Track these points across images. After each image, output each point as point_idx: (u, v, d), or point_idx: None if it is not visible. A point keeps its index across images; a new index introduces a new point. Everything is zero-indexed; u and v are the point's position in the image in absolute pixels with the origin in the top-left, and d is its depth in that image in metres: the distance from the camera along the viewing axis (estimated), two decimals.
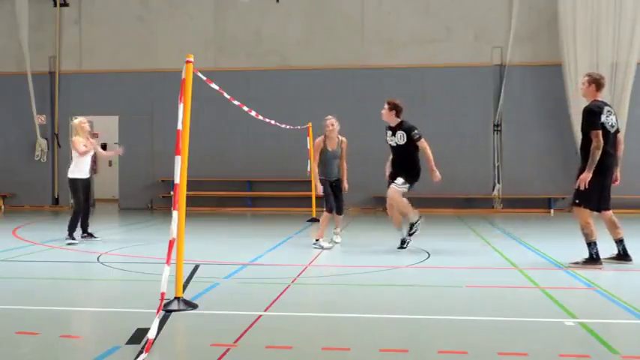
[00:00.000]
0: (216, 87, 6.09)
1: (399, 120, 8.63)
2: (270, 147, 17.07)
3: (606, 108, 7.33)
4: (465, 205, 16.69)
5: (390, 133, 8.72)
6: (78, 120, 10.02)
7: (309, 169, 12.50)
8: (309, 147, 13.13)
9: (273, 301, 5.60)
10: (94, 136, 15.40)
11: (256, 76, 17.28)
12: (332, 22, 17.26)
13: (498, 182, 16.67)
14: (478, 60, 16.80)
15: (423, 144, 8.52)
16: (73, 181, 9.75)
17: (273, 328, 4.83)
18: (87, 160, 9.82)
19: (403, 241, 8.93)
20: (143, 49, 17.77)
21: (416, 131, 8.50)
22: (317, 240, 9.16)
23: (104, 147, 16.79)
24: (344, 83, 16.93)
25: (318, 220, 10.73)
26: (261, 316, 5.09)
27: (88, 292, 6.51)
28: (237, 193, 17.42)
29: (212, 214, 15.97)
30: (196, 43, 16.87)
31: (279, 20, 17.43)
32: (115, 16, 17.96)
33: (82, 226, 9.94)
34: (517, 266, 7.56)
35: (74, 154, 9.81)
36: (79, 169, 9.74)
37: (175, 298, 5.23)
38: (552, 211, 16.26)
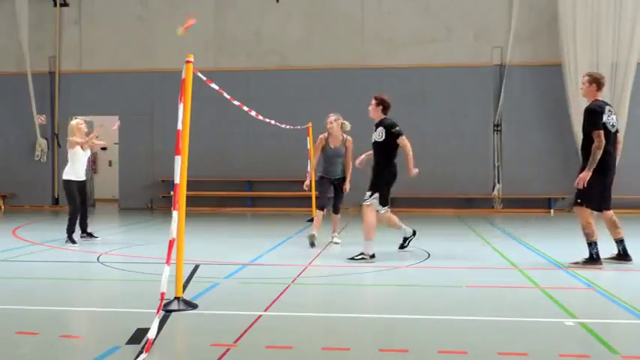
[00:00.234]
0: (216, 87, 6.08)
1: (383, 116, 8.08)
2: (270, 147, 17.08)
3: (607, 108, 7.33)
4: (465, 205, 16.68)
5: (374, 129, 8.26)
6: (75, 121, 10.01)
7: (308, 169, 12.48)
8: (309, 147, 13.12)
9: (273, 301, 5.59)
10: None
11: (256, 76, 17.29)
12: (332, 22, 17.27)
13: (498, 182, 16.67)
14: (478, 60, 16.80)
15: (403, 141, 7.85)
16: (67, 183, 9.64)
17: (273, 328, 4.83)
18: (83, 162, 9.74)
19: (405, 239, 8.83)
20: (143, 49, 17.77)
21: (397, 128, 7.89)
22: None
23: (103, 148, 16.80)
24: (344, 83, 16.93)
25: None
26: (261, 316, 5.08)
27: (88, 292, 6.50)
28: (237, 193, 17.42)
29: (212, 214, 15.97)
30: (196, 43, 16.83)
31: (279, 20, 17.43)
32: (115, 16, 17.97)
33: (80, 227, 9.90)
34: (517, 266, 7.55)
35: (70, 154, 9.71)
36: (74, 170, 9.65)
37: (175, 298, 5.22)
38: (552, 211, 16.26)
